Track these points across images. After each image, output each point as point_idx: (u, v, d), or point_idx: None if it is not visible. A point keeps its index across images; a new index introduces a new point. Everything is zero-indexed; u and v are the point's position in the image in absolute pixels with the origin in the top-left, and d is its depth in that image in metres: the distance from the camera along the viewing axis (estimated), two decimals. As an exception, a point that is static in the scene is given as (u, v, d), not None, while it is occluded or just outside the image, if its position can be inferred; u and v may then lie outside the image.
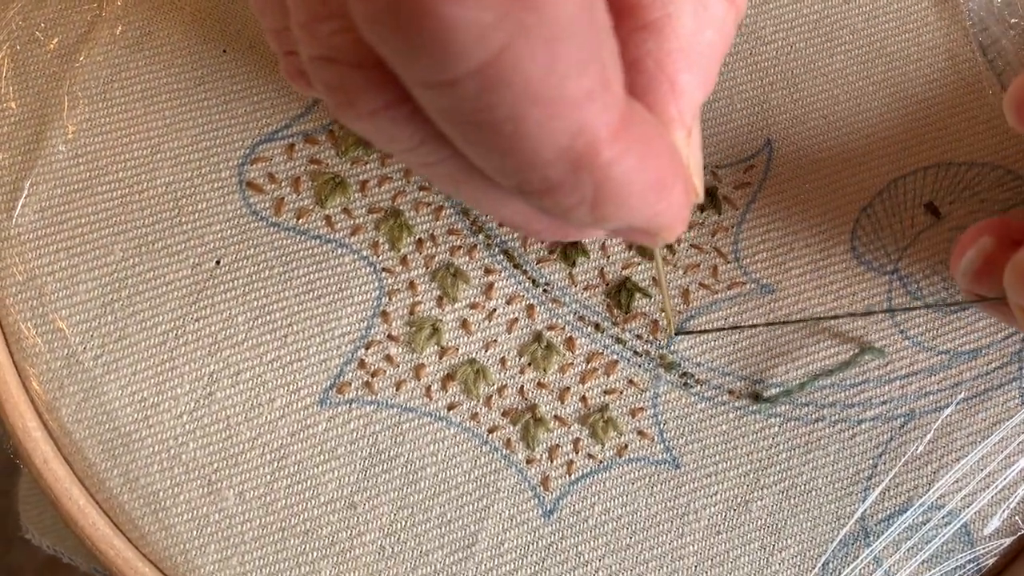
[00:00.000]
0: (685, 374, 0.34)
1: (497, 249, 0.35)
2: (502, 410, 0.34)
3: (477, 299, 0.35)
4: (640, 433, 0.34)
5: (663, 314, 0.35)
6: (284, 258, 0.35)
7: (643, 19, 0.22)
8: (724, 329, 0.35)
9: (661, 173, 0.20)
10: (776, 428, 0.34)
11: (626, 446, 0.34)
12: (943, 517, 0.34)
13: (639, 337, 0.35)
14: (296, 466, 0.33)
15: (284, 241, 0.35)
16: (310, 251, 0.35)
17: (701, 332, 0.34)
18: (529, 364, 0.34)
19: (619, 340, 0.35)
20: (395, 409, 0.34)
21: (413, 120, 0.20)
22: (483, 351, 0.34)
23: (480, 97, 0.17)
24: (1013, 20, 0.37)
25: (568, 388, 0.34)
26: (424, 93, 0.18)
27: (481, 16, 0.16)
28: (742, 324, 0.35)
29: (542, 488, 0.33)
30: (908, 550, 0.34)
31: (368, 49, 0.19)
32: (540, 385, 0.34)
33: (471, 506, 0.33)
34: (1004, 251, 0.29)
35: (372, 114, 0.20)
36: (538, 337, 0.35)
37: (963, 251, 0.30)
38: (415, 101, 0.19)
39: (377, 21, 0.17)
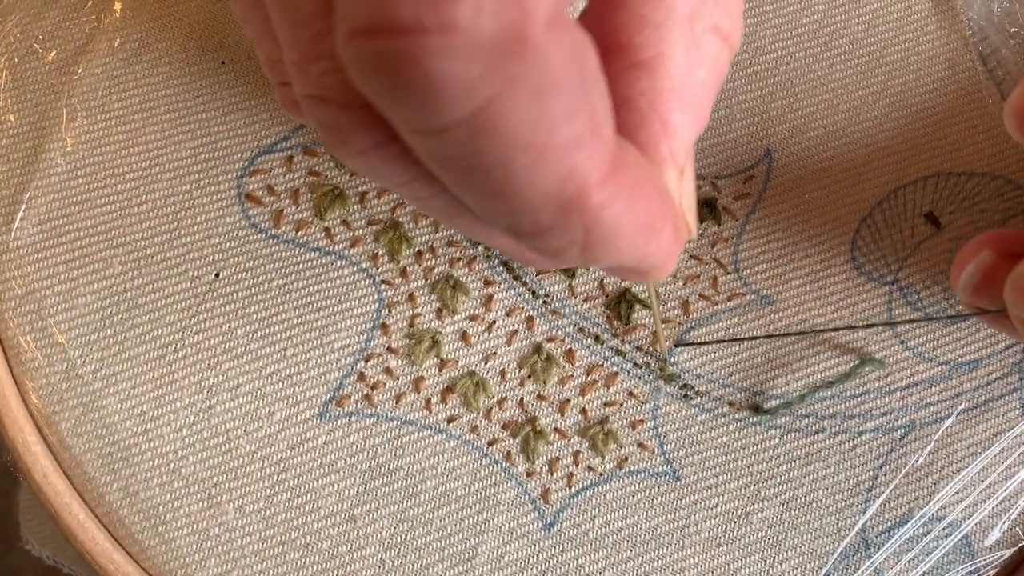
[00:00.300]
0: (685, 386, 0.34)
1: (496, 261, 0.35)
2: (502, 423, 0.34)
3: (477, 311, 0.35)
4: (640, 445, 0.34)
5: (655, 338, 0.35)
6: (283, 271, 0.35)
7: (635, 58, 0.22)
8: (723, 341, 0.34)
9: (651, 216, 0.20)
10: (776, 440, 0.34)
11: (626, 458, 0.34)
12: (944, 528, 0.34)
13: (639, 349, 0.35)
14: (296, 479, 0.33)
15: (283, 253, 0.35)
16: (309, 263, 0.35)
17: (700, 344, 0.34)
18: (529, 376, 0.34)
19: (619, 352, 0.35)
20: (395, 422, 0.34)
21: (403, 159, 0.20)
22: (483, 363, 0.34)
23: (468, 144, 0.17)
24: (1013, 29, 0.37)
25: (568, 400, 0.34)
26: (413, 138, 0.18)
27: (468, 69, 0.16)
28: (741, 336, 0.35)
29: (542, 501, 0.33)
30: (909, 562, 0.34)
31: (358, 91, 0.19)
32: (540, 397, 0.34)
33: (471, 519, 0.33)
34: (1004, 264, 0.29)
35: (362, 153, 0.20)
36: (538, 349, 0.35)
37: (963, 265, 0.30)
38: (404, 142, 0.19)
39: (364, 68, 0.16)
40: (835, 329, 0.35)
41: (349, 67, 0.17)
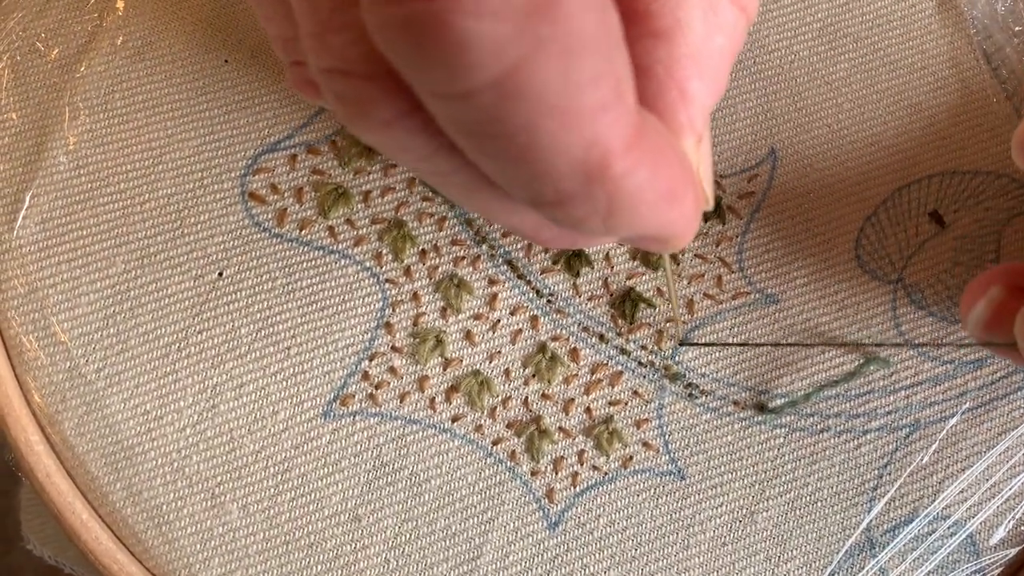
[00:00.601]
0: (690, 384, 0.34)
1: (501, 260, 0.35)
2: (506, 422, 0.34)
3: (481, 310, 0.35)
4: (645, 444, 0.34)
5: (668, 324, 0.35)
6: (287, 269, 0.35)
7: (653, 26, 0.22)
8: (728, 344, 0.34)
9: (673, 183, 0.20)
10: (781, 439, 0.34)
11: (631, 457, 0.34)
12: (949, 528, 0.34)
13: (644, 348, 0.35)
14: (300, 479, 0.33)
15: (287, 252, 0.35)
16: (313, 262, 0.35)
17: (705, 345, 0.34)
18: (533, 375, 0.34)
19: (623, 351, 0.35)
20: (399, 421, 0.34)
21: (426, 130, 0.20)
22: (487, 362, 0.34)
23: (495, 109, 0.17)
24: (1017, 28, 0.37)
25: (573, 399, 0.34)
26: (437, 104, 0.18)
27: (498, 29, 0.16)
28: (747, 341, 0.35)
29: (547, 500, 0.33)
30: (914, 561, 0.34)
31: (381, 60, 0.18)
32: (544, 396, 0.34)
33: (475, 519, 0.33)
34: (1014, 299, 0.29)
35: (385, 125, 0.20)
36: (542, 348, 0.34)
37: (972, 300, 0.30)
38: (428, 111, 0.19)
39: (391, 33, 0.16)
40: (841, 344, 0.34)
41: (375, 32, 0.17)
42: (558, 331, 0.35)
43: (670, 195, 0.20)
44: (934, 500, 0.34)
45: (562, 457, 0.34)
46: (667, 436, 0.34)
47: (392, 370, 0.34)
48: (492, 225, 0.35)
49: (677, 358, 0.34)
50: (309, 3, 0.19)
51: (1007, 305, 0.29)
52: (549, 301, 0.35)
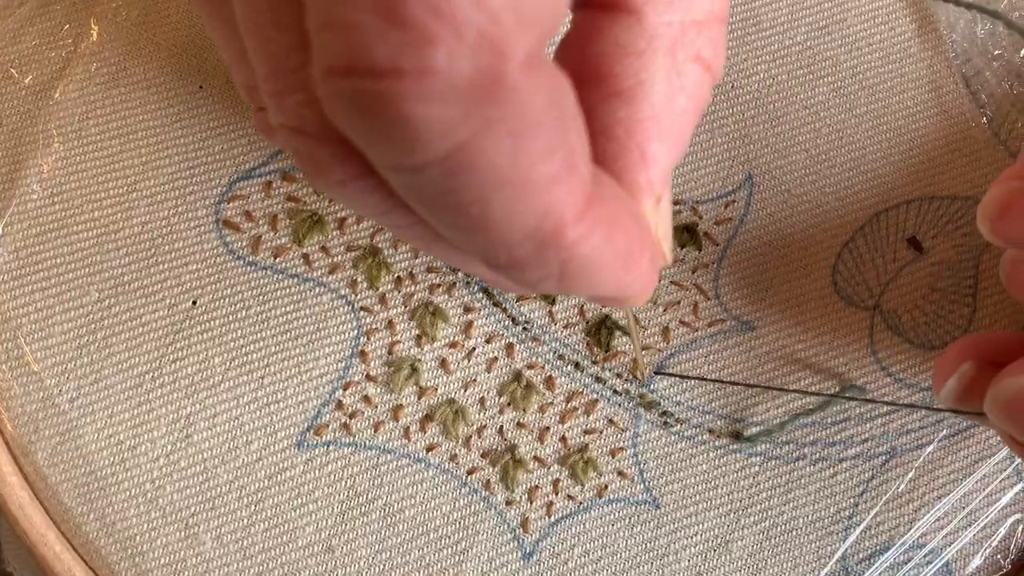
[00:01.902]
0: (665, 413, 0.34)
1: (476, 287, 0.35)
2: (481, 451, 0.34)
3: (456, 338, 0.35)
4: (620, 473, 0.34)
5: (634, 364, 0.34)
6: (261, 298, 0.34)
7: (614, 87, 0.22)
8: (704, 379, 0.34)
9: (628, 246, 0.20)
10: (756, 467, 0.34)
11: (606, 486, 0.34)
12: (925, 556, 0.34)
13: (619, 376, 0.34)
14: (273, 509, 0.33)
15: (261, 280, 0.35)
16: (288, 290, 0.35)
17: (680, 376, 0.34)
18: (509, 404, 0.34)
19: (599, 379, 0.34)
20: (373, 451, 0.34)
21: (380, 190, 0.20)
22: (462, 391, 0.34)
23: (445, 182, 0.17)
24: (996, 52, 0.37)
25: (548, 428, 0.34)
26: (389, 174, 0.18)
27: (445, 112, 0.16)
28: (722, 373, 0.35)
29: (522, 530, 0.33)
30: (889, 590, 0.34)
31: (335, 125, 0.18)
32: (520, 425, 0.34)
33: (450, 549, 0.33)
34: (985, 374, 0.29)
35: (340, 184, 0.20)
36: (518, 376, 0.34)
37: (944, 372, 0.30)
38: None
39: (341, 108, 0.16)
40: (817, 394, 0.34)
41: (325, 104, 0.17)
42: (533, 359, 0.35)
43: (626, 259, 0.20)
44: (910, 528, 0.34)
45: (537, 486, 0.34)
46: (642, 465, 0.34)
47: (366, 399, 0.34)
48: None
49: (652, 386, 0.34)
50: (267, 62, 0.19)
51: (978, 380, 0.29)
52: (525, 329, 0.35)
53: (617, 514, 0.34)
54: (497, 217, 0.18)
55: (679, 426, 0.34)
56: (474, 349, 0.34)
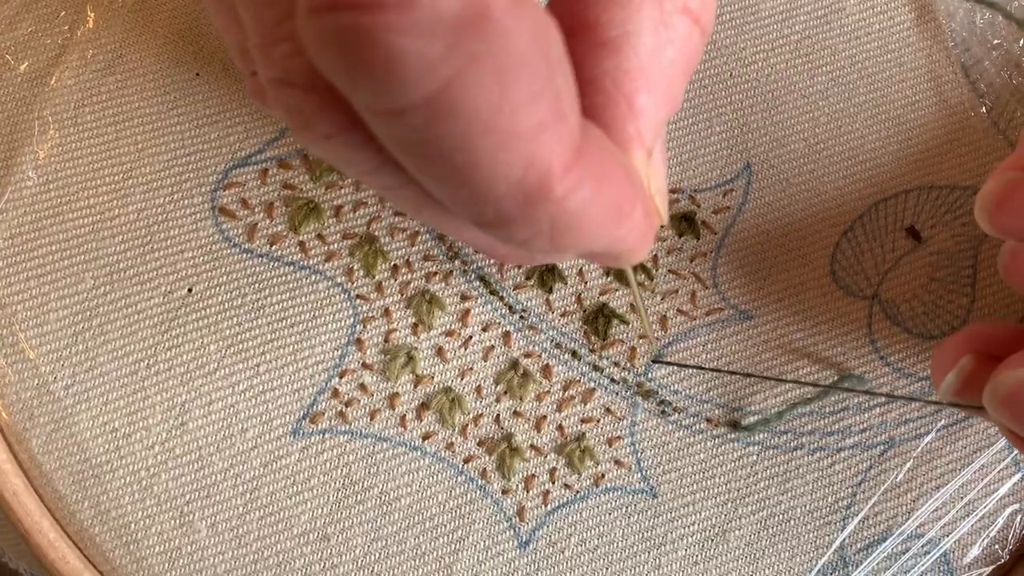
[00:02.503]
0: (663, 402, 0.34)
1: (473, 275, 0.35)
2: (478, 439, 0.34)
3: (453, 326, 0.34)
4: (617, 462, 0.34)
5: (641, 340, 0.34)
6: (257, 285, 0.34)
7: (600, 37, 0.22)
8: (702, 368, 0.34)
9: (619, 199, 0.20)
10: (754, 457, 0.34)
11: (603, 475, 0.34)
12: (922, 546, 0.34)
13: (616, 364, 0.34)
14: (269, 497, 0.33)
15: (257, 268, 0.34)
16: (283, 278, 0.34)
17: (678, 365, 0.34)
18: (505, 392, 0.34)
19: (596, 367, 0.34)
20: (369, 439, 0.33)
21: (368, 145, 0.20)
22: (459, 379, 0.34)
23: (428, 127, 0.17)
24: (995, 41, 0.37)
25: (545, 417, 0.34)
26: (373, 120, 0.17)
27: (429, 47, 0.15)
28: (720, 360, 0.34)
29: (518, 519, 0.33)
30: (887, 580, 0.33)
31: (320, 73, 0.18)
32: (516, 414, 0.34)
33: (446, 537, 0.33)
34: (983, 367, 0.29)
35: (327, 137, 0.20)
36: (514, 365, 0.34)
37: (942, 365, 0.30)
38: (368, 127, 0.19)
39: (322, 46, 0.16)
40: (815, 384, 0.34)
41: (308, 44, 0.16)
42: (530, 347, 0.34)
43: (617, 212, 0.20)
44: (908, 518, 0.34)
45: (533, 475, 0.33)
46: (639, 454, 0.34)
47: (362, 387, 0.34)
48: (464, 241, 0.35)
49: (650, 375, 0.34)
50: (254, 14, 0.19)
51: (977, 373, 0.29)
52: (522, 317, 0.35)
53: (614, 503, 0.33)
54: (482, 167, 0.17)
55: (677, 415, 0.34)
56: (471, 337, 0.34)
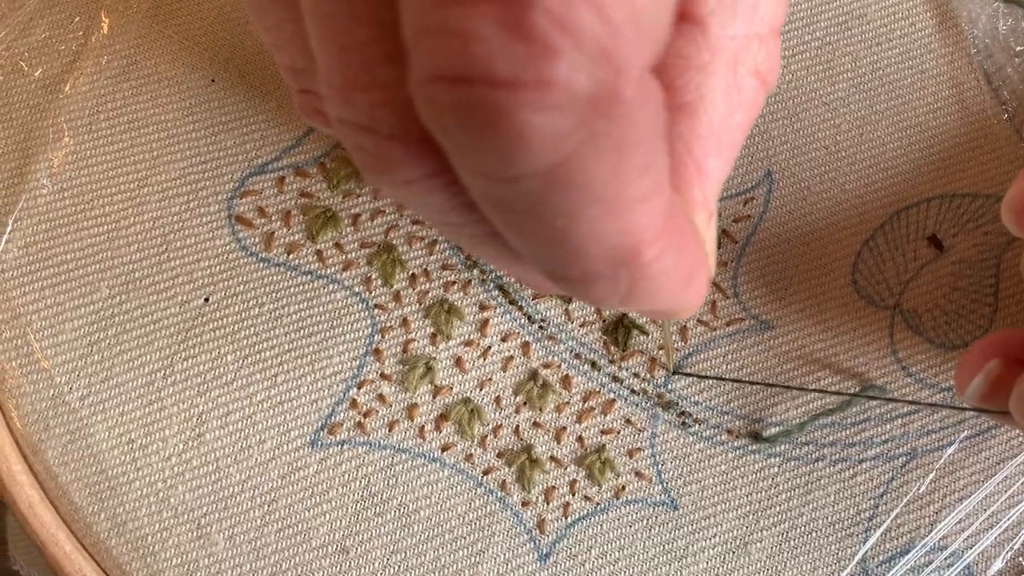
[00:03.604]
0: (683, 413, 0.34)
1: (492, 284, 0.34)
2: (497, 451, 0.33)
3: (472, 336, 0.34)
4: (638, 474, 0.33)
5: (661, 352, 0.34)
6: (274, 295, 0.34)
7: (676, 100, 0.22)
8: (723, 379, 0.34)
9: (692, 265, 0.20)
10: (776, 468, 0.34)
11: (624, 487, 0.33)
12: (946, 559, 0.33)
13: (636, 375, 0.34)
14: (287, 509, 0.33)
15: (274, 277, 0.34)
16: (301, 287, 0.34)
17: (699, 376, 0.34)
18: (525, 403, 0.34)
19: (616, 378, 0.34)
20: (388, 450, 0.33)
21: (448, 190, 0.19)
22: (478, 390, 0.34)
23: (539, 194, 0.16)
24: (1019, 48, 0.37)
25: (564, 428, 0.34)
26: (478, 181, 0.17)
27: (558, 123, 0.15)
28: (741, 371, 0.34)
29: (538, 531, 0.33)
30: (910, 593, 0.33)
31: (412, 124, 0.17)
32: (536, 425, 0.34)
33: (465, 550, 0.33)
34: (1011, 372, 0.29)
35: (406, 183, 0.19)
36: (534, 375, 0.34)
37: (968, 371, 0.30)
38: (455, 175, 0.18)
39: (443, 115, 0.16)
40: (837, 392, 0.34)
41: (423, 107, 0.16)
42: (550, 358, 0.34)
43: (688, 277, 0.20)
44: (931, 530, 0.34)
45: (553, 487, 0.33)
46: (660, 465, 0.33)
47: (381, 398, 0.33)
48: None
49: (670, 386, 0.34)
50: (338, 55, 0.18)
51: (1004, 378, 0.29)
52: (541, 327, 0.34)
53: (635, 515, 0.33)
54: (581, 232, 0.17)
55: (697, 426, 0.34)
56: (490, 347, 0.34)
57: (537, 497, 0.33)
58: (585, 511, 0.33)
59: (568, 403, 0.34)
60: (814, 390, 0.34)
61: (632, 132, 0.16)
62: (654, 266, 0.18)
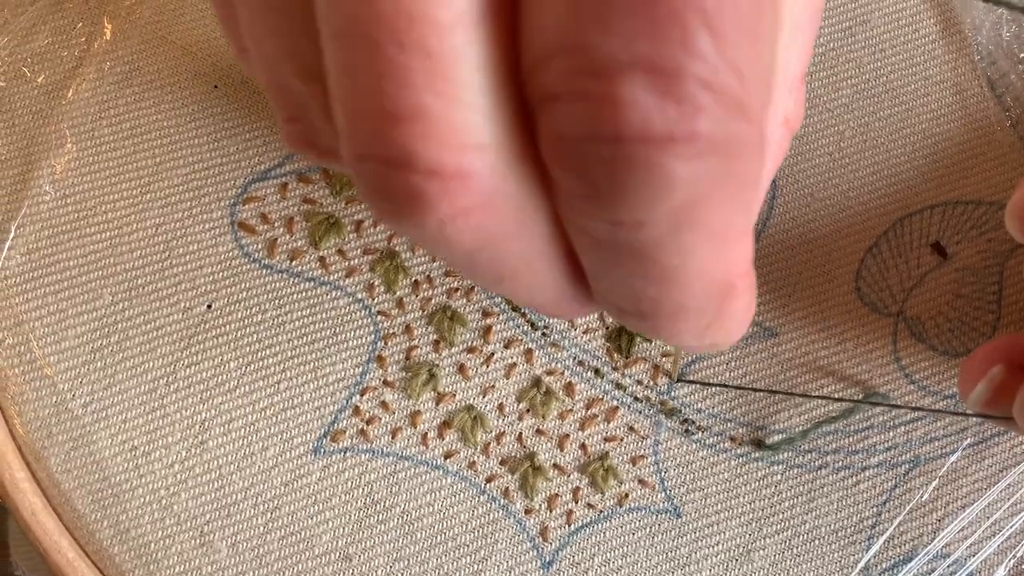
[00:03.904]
0: (686, 420, 0.34)
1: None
2: (500, 458, 0.33)
3: (475, 343, 0.34)
4: (641, 481, 0.33)
5: (664, 359, 0.34)
6: (277, 301, 0.34)
7: None
8: (727, 386, 0.34)
9: (752, 303, 0.20)
10: (779, 476, 0.34)
11: (627, 495, 0.33)
12: (949, 566, 0.33)
13: (639, 383, 0.34)
14: (290, 517, 0.32)
15: (277, 284, 0.34)
16: (304, 294, 0.34)
17: (702, 383, 0.34)
18: (528, 410, 0.34)
19: (619, 386, 0.34)
20: (391, 457, 0.33)
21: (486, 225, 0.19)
22: (481, 397, 0.34)
23: (663, 236, 0.17)
24: (1022, 55, 0.37)
25: (567, 435, 0.34)
26: (595, 226, 0.17)
27: (700, 167, 0.16)
28: (745, 378, 0.34)
29: (541, 539, 0.33)
30: (913, 601, 0.33)
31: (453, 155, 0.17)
32: (539, 432, 0.34)
33: (468, 558, 0.33)
34: (1014, 377, 0.29)
35: (439, 224, 0.17)
36: (537, 383, 0.34)
37: (971, 374, 0.30)
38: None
39: (596, 169, 0.16)
40: (840, 399, 0.34)
41: (553, 163, 0.16)
42: (553, 365, 0.34)
43: (749, 315, 0.20)
44: (934, 538, 0.34)
45: (557, 495, 0.33)
46: (663, 473, 0.33)
47: (384, 405, 0.33)
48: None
49: (673, 393, 0.34)
50: (376, 84, 0.16)
51: (1007, 384, 0.29)
52: (544, 334, 0.34)
53: (638, 523, 0.33)
54: (692, 268, 0.17)
55: (700, 433, 0.34)
56: (492, 354, 0.34)
57: (540, 505, 0.33)
58: (588, 519, 0.33)
59: (571, 410, 0.34)
60: (817, 396, 0.34)
61: (750, 171, 0.17)
62: (740, 299, 0.19)
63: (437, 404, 0.34)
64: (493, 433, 0.33)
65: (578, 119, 0.15)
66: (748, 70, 0.15)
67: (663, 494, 0.33)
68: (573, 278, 0.19)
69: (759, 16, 0.15)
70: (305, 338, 0.34)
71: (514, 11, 0.16)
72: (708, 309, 0.19)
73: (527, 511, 0.33)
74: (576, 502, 0.33)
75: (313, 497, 0.33)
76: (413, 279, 0.34)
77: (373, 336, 0.34)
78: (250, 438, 0.33)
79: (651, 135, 0.15)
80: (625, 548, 0.33)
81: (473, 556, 0.33)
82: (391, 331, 0.34)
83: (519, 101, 0.17)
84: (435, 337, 0.34)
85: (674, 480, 0.33)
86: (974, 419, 0.34)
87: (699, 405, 0.34)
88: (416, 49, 0.15)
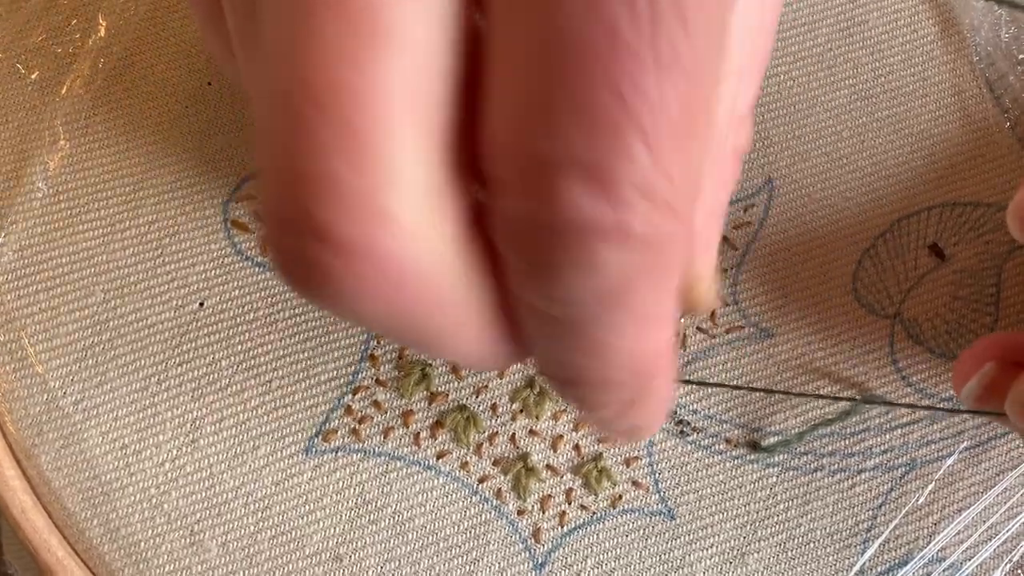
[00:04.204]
0: (681, 422, 0.34)
1: (489, 291, 0.34)
2: (493, 459, 0.33)
3: (468, 343, 0.34)
4: (635, 483, 0.33)
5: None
6: (269, 300, 0.34)
7: None
8: (723, 386, 0.34)
9: (671, 391, 0.21)
10: (774, 478, 0.33)
11: (620, 496, 0.33)
12: (944, 570, 0.33)
13: (634, 383, 0.34)
14: (280, 516, 0.32)
15: (270, 282, 0.34)
16: (295, 292, 0.34)
17: (698, 384, 0.34)
18: (521, 411, 0.33)
19: (613, 386, 0.34)
20: (383, 457, 0.33)
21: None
22: (473, 397, 0.33)
23: (594, 312, 0.17)
24: (1021, 56, 0.36)
25: (561, 436, 0.33)
26: (540, 300, 0.18)
27: (624, 258, 0.16)
28: (741, 379, 0.34)
29: (533, 540, 0.33)
30: (908, 605, 0.33)
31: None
32: (532, 433, 0.33)
33: (460, 559, 0.32)
34: (1006, 374, 0.29)
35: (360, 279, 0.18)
36: (530, 382, 0.34)
37: (964, 371, 0.30)
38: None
39: (534, 248, 0.17)
40: (837, 398, 0.34)
41: (499, 239, 0.17)
42: (547, 365, 0.34)
43: (669, 396, 0.21)
44: (930, 542, 0.33)
45: (549, 496, 0.33)
46: (657, 474, 0.33)
47: (376, 404, 0.33)
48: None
49: (668, 394, 0.34)
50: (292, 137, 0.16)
51: (1000, 380, 0.29)
52: (538, 334, 0.34)
53: (631, 525, 0.33)
54: (618, 345, 0.18)
55: (695, 435, 0.34)
56: (486, 354, 0.34)
57: (533, 506, 0.33)
58: (581, 520, 0.33)
59: (565, 411, 0.33)
60: (813, 395, 0.34)
61: (674, 259, 0.17)
62: (659, 378, 0.20)
63: (430, 404, 0.33)
64: (486, 433, 0.33)
65: (523, 206, 0.16)
66: (679, 175, 0.16)
67: (657, 496, 0.33)
68: (510, 337, 0.20)
69: (692, 128, 0.16)
70: (297, 336, 0.34)
71: (469, 96, 0.17)
72: (630, 385, 0.19)
73: (520, 512, 0.33)
74: (569, 503, 0.33)
75: (304, 497, 0.32)
76: (407, 278, 0.34)
77: (366, 334, 0.34)
78: (241, 437, 0.33)
79: (586, 228, 0.16)
80: (618, 550, 0.33)
81: (465, 557, 0.32)
82: (384, 330, 0.34)
83: (470, 176, 0.17)
84: (428, 336, 0.34)
85: (668, 482, 0.33)
86: (971, 423, 0.34)
87: (694, 406, 0.34)
88: (334, 116, 0.15)
